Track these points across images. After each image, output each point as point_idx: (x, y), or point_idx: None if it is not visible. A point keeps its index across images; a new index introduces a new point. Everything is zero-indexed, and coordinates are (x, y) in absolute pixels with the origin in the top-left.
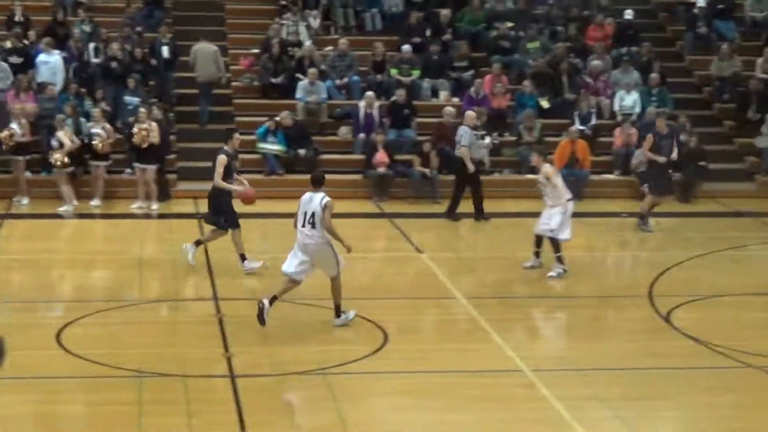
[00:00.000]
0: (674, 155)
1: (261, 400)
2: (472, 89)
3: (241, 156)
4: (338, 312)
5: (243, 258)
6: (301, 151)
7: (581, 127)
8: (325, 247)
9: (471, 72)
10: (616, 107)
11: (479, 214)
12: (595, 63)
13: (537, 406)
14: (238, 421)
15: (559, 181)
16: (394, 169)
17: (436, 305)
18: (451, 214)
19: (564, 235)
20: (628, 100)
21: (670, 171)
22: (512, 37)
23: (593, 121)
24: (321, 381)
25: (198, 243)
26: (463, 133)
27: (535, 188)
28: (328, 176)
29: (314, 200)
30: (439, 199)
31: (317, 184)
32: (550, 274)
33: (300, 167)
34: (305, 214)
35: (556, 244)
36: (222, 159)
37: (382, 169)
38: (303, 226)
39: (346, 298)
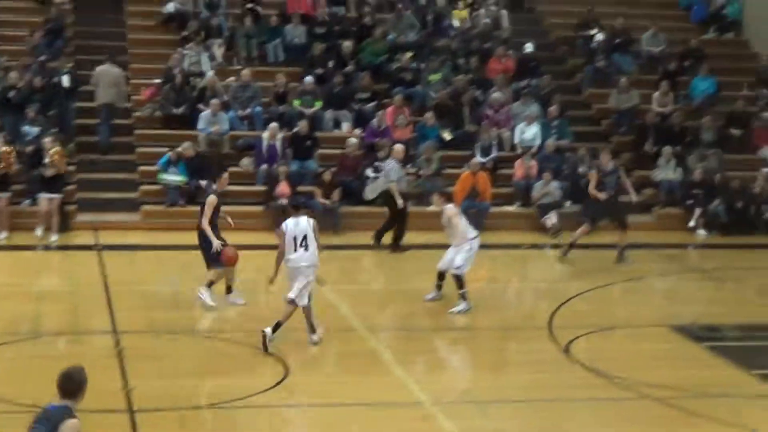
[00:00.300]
0: (633, 196)
1: None
2: (375, 121)
3: (141, 187)
4: (313, 329)
5: (229, 290)
6: (203, 182)
7: (482, 160)
8: (313, 270)
9: (373, 103)
10: (517, 140)
11: (397, 247)
12: (496, 95)
13: None
14: None
15: (461, 221)
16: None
17: (339, 337)
18: (396, 247)
19: (465, 269)
20: (529, 132)
21: (617, 205)
22: (414, 69)
23: (494, 153)
24: (222, 414)
25: (210, 285)
26: (391, 168)
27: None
28: (229, 207)
29: (301, 224)
30: (340, 230)
31: (298, 209)
32: (453, 309)
33: (201, 198)
34: (295, 239)
35: (459, 280)
36: (212, 200)
37: (284, 201)
38: (296, 251)
39: (248, 330)
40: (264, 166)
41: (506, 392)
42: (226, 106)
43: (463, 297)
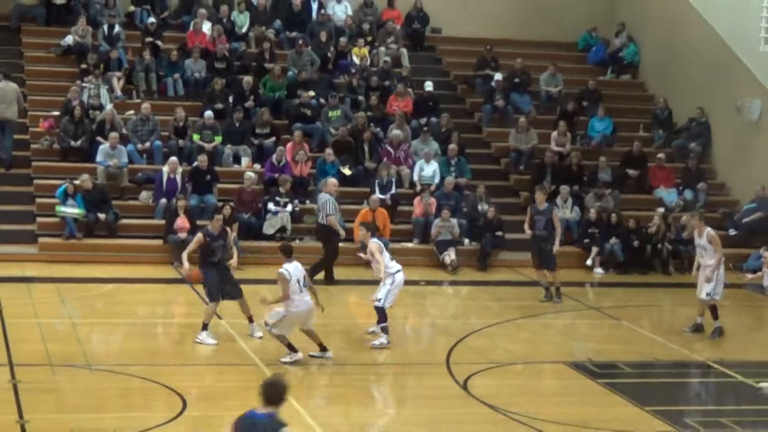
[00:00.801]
0: (556, 241)
1: None
2: (274, 156)
3: (39, 219)
4: (322, 347)
5: (250, 320)
6: (101, 215)
7: (381, 196)
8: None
9: (273, 139)
10: (416, 177)
11: (332, 279)
12: (396, 132)
13: None
14: None
15: (383, 257)
16: (195, 234)
17: (237, 371)
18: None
19: (387, 303)
20: (428, 169)
21: (546, 244)
22: (314, 105)
23: (393, 189)
24: None
25: (250, 320)
26: (326, 201)
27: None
28: (128, 241)
29: (298, 267)
30: (241, 265)
31: (289, 254)
32: (373, 343)
33: (100, 231)
34: (299, 281)
35: (380, 313)
36: (198, 237)
37: (183, 235)
38: (301, 291)
39: (146, 364)
40: (163, 200)
41: (404, 428)
42: (125, 140)
43: (383, 330)
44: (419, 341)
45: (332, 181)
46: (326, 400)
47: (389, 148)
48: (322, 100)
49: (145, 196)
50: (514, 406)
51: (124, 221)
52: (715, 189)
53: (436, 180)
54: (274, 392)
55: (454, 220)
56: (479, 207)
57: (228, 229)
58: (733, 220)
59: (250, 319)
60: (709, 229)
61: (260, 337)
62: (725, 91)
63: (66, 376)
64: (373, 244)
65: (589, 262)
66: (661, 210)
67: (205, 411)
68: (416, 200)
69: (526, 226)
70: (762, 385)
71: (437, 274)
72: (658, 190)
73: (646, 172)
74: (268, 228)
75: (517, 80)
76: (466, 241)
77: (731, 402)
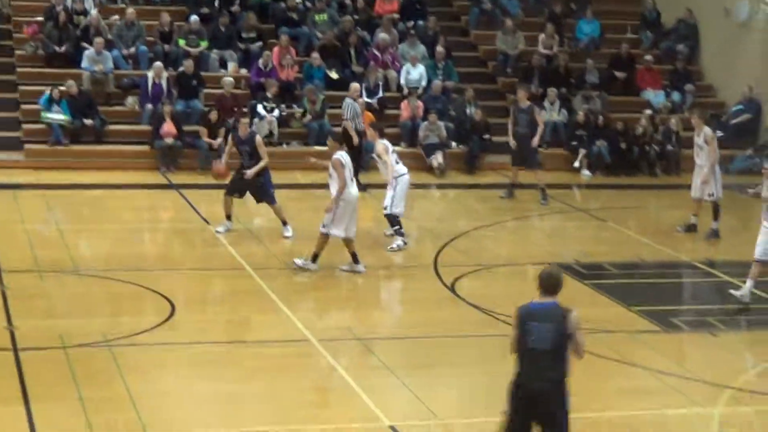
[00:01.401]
0: (536, 139)
1: (45, 373)
2: (261, 61)
3: (25, 126)
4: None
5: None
6: (88, 121)
7: (368, 100)
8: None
9: (259, 44)
10: (403, 80)
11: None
12: (383, 36)
13: (324, 375)
14: (22, 394)
15: (390, 158)
16: (182, 140)
17: (224, 276)
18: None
19: (397, 209)
20: (415, 73)
21: (532, 144)
22: (300, 10)
23: (380, 93)
24: (107, 352)
25: (284, 222)
26: (347, 106)
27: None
28: (114, 147)
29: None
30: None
31: (342, 142)
32: (391, 246)
33: (86, 137)
34: (351, 170)
35: (390, 219)
36: (230, 141)
37: (169, 140)
38: (352, 180)
39: (133, 269)
40: (149, 106)
41: (391, 330)
42: (110, 45)
43: (398, 234)
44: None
45: (354, 85)
46: (314, 304)
47: (376, 52)
48: (308, 4)
49: (131, 101)
50: (501, 308)
51: (111, 127)
52: (703, 90)
53: (423, 83)
54: (552, 282)
55: (441, 123)
56: (467, 110)
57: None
58: (720, 121)
59: (284, 222)
60: (706, 128)
61: (288, 237)
62: None
63: (54, 282)
64: (380, 145)
65: (576, 164)
66: (649, 112)
67: (193, 315)
68: (403, 104)
69: (510, 125)
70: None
71: (425, 178)
72: (645, 92)
73: (633, 74)
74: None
75: None
76: (454, 144)
77: (717, 301)
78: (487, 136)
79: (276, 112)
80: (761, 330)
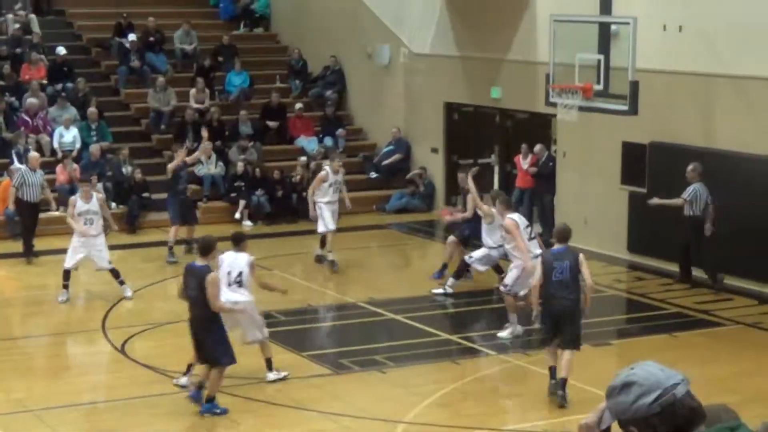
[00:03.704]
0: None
1: None
2: None
3: None
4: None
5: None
6: None
7: (21, 166)
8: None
9: None
10: (56, 144)
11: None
12: (31, 101)
13: None
14: None
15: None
16: None
17: None
18: None
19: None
20: (68, 136)
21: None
22: None
23: None
24: None
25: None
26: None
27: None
28: None
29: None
30: None
31: (509, 204)
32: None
33: None
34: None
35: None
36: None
37: None
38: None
39: None
40: None
41: (63, 397)
42: None
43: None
44: (74, 309)
45: (33, 155)
46: None
47: (26, 117)
48: None
49: None
50: (173, 365)
51: None
52: (354, 134)
53: (77, 145)
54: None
55: (99, 185)
56: (123, 169)
57: None
58: (373, 163)
59: None
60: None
61: None
62: (356, 38)
63: None
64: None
65: (237, 215)
66: (304, 159)
67: None
68: (59, 168)
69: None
70: (500, 334)
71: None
72: (299, 140)
73: (286, 123)
74: None
75: (151, 39)
76: (113, 204)
77: (384, 339)
78: (146, 194)
79: None
80: (425, 363)
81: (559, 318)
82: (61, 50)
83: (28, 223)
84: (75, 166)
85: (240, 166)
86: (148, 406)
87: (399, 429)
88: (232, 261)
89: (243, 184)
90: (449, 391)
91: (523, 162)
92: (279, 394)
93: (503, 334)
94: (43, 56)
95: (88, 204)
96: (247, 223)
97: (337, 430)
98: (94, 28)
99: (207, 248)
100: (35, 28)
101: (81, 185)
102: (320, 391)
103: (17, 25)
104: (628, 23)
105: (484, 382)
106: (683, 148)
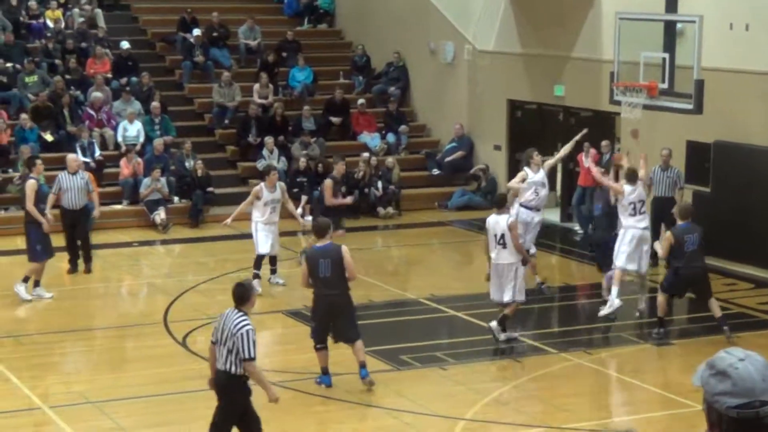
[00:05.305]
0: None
1: None
2: None
3: None
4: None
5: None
6: None
7: (86, 159)
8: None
9: None
10: (120, 138)
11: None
12: (96, 95)
13: None
14: None
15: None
16: None
17: None
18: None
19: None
20: (131, 130)
21: None
22: (9, 72)
23: (96, 152)
24: None
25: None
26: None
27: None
28: None
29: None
30: None
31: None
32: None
33: None
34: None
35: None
36: (31, 184)
37: None
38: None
39: None
40: None
41: (124, 390)
42: None
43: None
44: (136, 303)
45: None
46: (42, 370)
47: (90, 111)
48: (17, 66)
49: None
50: None
51: None
52: (417, 131)
53: (141, 139)
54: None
55: (162, 179)
56: (186, 164)
57: None
58: (435, 159)
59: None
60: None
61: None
62: (420, 35)
63: None
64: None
65: (299, 210)
66: (366, 155)
67: None
68: (122, 161)
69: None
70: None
71: (149, 234)
72: (361, 136)
73: (349, 119)
74: None
75: (215, 34)
76: (176, 199)
77: (445, 335)
78: (210, 189)
79: None
80: (486, 360)
81: (692, 282)
82: (125, 45)
83: (70, 233)
84: (139, 160)
85: (302, 162)
86: (209, 399)
87: (459, 426)
88: (495, 224)
89: (305, 179)
90: (510, 388)
91: (585, 160)
92: (338, 389)
93: (605, 311)
94: (108, 50)
95: (273, 193)
96: (308, 218)
97: (397, 426)
98: (159, 22)
99: (323, 230)
100: (100, 22)
101: (268, 176)
102: (381, 387)
103: (83, 20)
104: (693, 21)
105: (545, 380)
106: (748, 148)
